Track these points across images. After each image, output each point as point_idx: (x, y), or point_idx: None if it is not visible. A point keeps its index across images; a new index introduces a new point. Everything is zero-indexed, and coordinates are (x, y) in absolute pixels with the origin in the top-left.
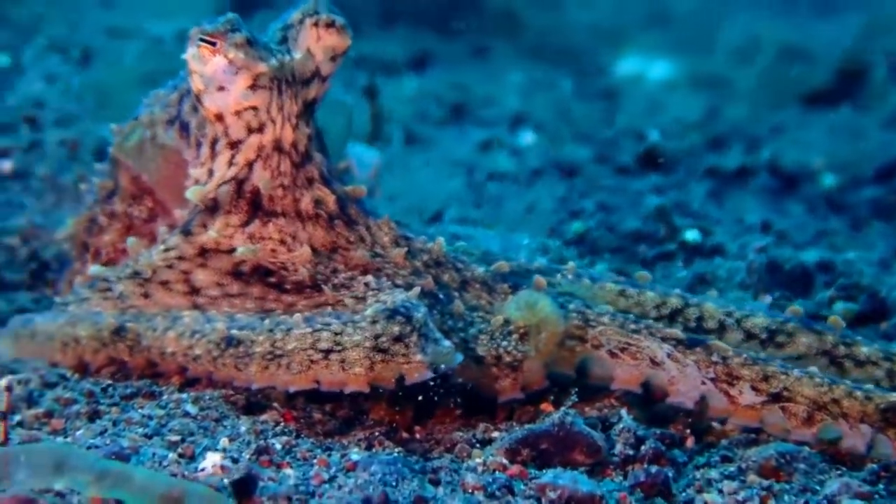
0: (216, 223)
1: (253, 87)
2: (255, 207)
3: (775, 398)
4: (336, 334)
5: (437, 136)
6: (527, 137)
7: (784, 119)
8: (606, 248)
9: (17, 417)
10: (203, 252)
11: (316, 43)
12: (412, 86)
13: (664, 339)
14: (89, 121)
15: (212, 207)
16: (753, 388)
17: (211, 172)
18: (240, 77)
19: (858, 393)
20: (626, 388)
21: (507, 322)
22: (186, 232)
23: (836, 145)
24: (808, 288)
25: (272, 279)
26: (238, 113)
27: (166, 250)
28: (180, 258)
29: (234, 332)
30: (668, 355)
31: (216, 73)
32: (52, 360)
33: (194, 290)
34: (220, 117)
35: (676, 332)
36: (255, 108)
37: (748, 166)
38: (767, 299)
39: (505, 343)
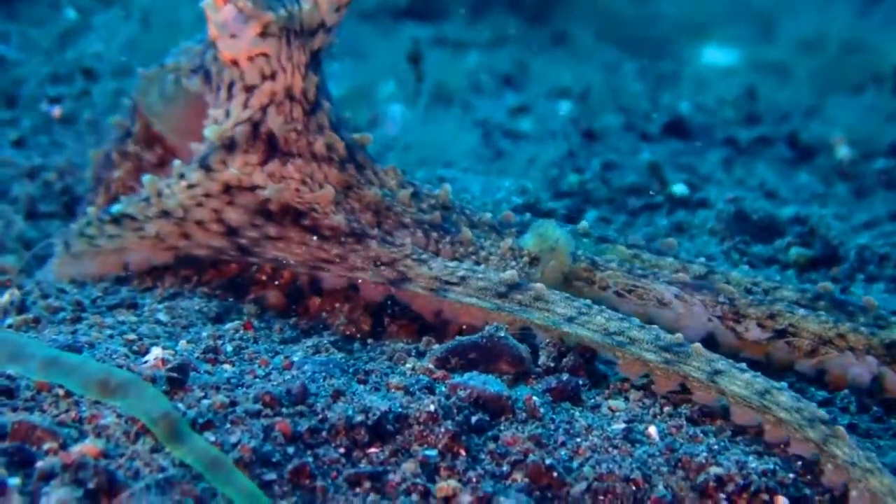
0: (236, 160)
1: (263, 34)
2: (272, 148)
3: (780, 334)
4: None
5: (477, 102)
6: (563, 107)
7: (824, 102)
8: (600, 199)
9: (9, 321)
10: (227, 189)
11: None
12: (474, 60)
13: (670, 283)
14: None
15: (229, 146)
16: (759, 325)
17: (228, 113)
18: (250, 25)
19: (863, 329)
20: None
21: (516, 248)
22: (206, 168)
23: (861, 123)
24: (774, 237)
25: (306, 222)
26: (251, 59)
27: (190, 186)
28: (207, 195)
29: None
30: (676, 296)
31: (228, 20)
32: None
33: (232, 231)
34: (234, 62)
35: (683, 275)
36: (266, 55)
37: (766, 136)
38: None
39: (513, 264)
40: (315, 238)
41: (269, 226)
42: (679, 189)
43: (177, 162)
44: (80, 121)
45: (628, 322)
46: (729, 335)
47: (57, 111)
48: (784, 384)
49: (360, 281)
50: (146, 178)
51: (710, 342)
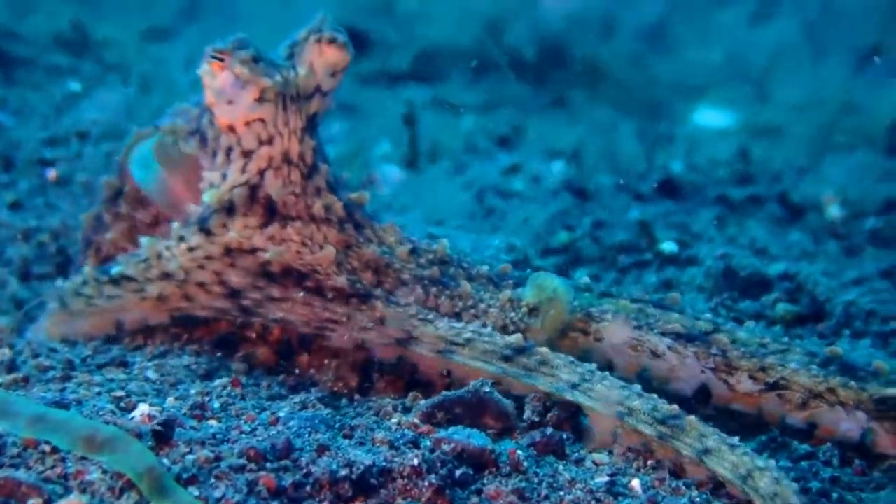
0: (235, 224)
1: (259, 100)
2: (271, 211)
3: (772, 387)
4: None
5: (470, 162)
6: (556, 166)
7: (816, 162)
8: (590, 257)
9: None
10: (228, 251)
11: (318, 58)
12: (470, 121)
13: (664, 334)
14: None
15: (228, 209)
16: (751, 378)
17: (225, 177)
18: (246, 91)
19: (853, 383)
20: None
21: (515, 300)
22: (206, 231)
23: (853, 182)
24: (761, 293)
25: (308, 283)
26: (248, 124)
27: (190, 249)
28: (208, 258)
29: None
30: (669, 347)
31: (225, 87)
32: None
33: (234, 293)
34: (231, 128)
35: (677, 326)
36: (262, 121)
37: (758, 195)
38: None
39: (513, 314)
40: (319, 299)
41: (271, 287)
42: (668, 247)
43: (175, 224)
44: (74, 183)
45: (628, 391)
46: (721, 387)
47: (52, 174)
48: (772, 462)
49: (367, 341)
50: (145, 240)
51: (703, 394)
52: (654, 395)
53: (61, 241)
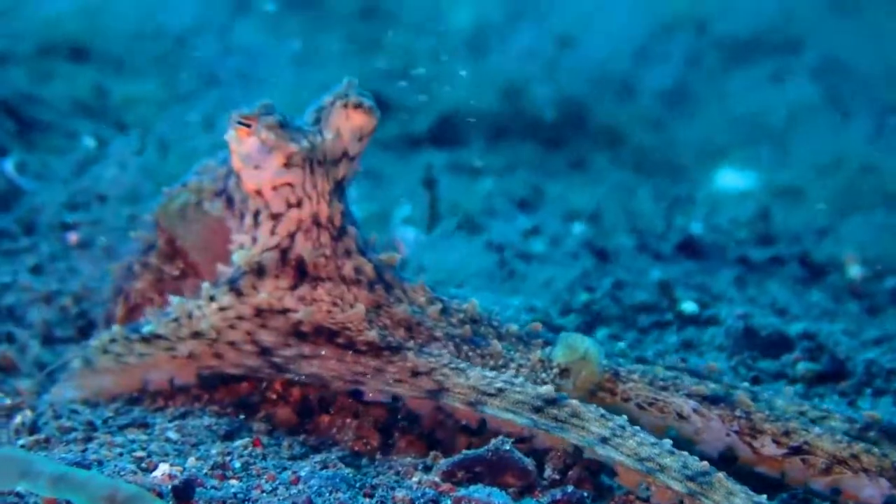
0: (266, 285)
1: (286, 165)
2: (301, 273)
3: (796, 451)
4: None
5: (490, 224)
6: (576, 228)
7: (837, 223)
8: (610, 317)
9: (21, 441)
10: (259, 312)
11: (345, 122)
12: (489, 184)
13: (689, 396)
14: (153, 198)
15: (258, 271)
16: (775, 441)
17: (255, 240)
18: (273, 156)
19: (876, 450)
20: None
21: (546, 360)
22: (237, 292)
23: (874, 242)
24: (782, 352)
25: (340, 340)
26: (275, 188)
27: (221, 309)
28: (239, 318)
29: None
30: (694, 410)
31: (251, 152)
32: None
33: (265, 350)
34: (259, 192)
35: (702, 388)
36: (290, 185)
37: (779, 256)
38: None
39: (544, 375)
40: (351, 353)
41: (303, 345)
42: (688, 307)
43: (206, 284)
44: (95, 246)
45: (658, 448)
46: (746, 450)
47: (73, 237)
48: None
49: (400, 395)
50: (175, 299)
51: (728, 457)
52: (685, 452)
53: (83, 305)
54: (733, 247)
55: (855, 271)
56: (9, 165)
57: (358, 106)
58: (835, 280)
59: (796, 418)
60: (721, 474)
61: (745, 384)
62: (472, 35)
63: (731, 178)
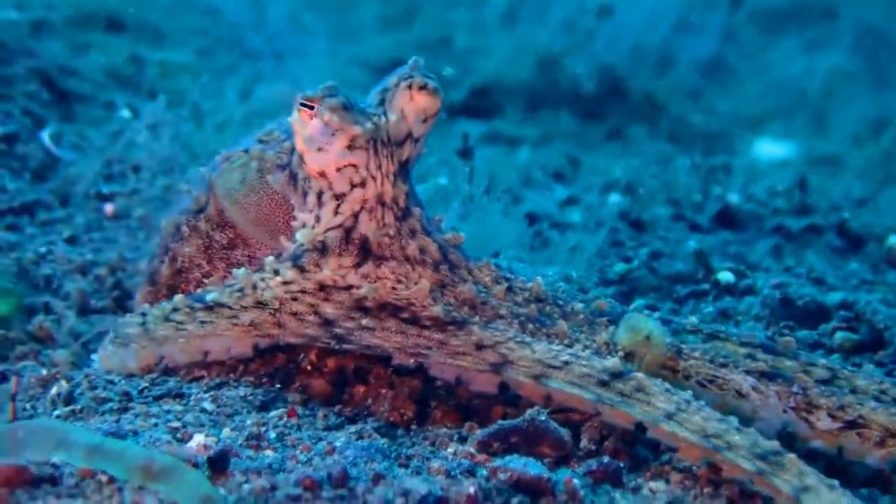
0: (330, 263)
1: (350, 147)
2: (366, 252)
3: (851, 425)
4: None
5: (526, 195)
6: (613, 198)
7: (876, 193)
8: (647, 287)
9: (57, 412)
10: (323, 287)
11: (409, 104)
12: (525, 155)
13: (748, 372)
14: (190, 169)
15: (321, 249)
16: (830, 416)
17: (318, 218)
18: (337, 138)
19: None
20: None
21: (611, 343)
22: (300, 268)
23: None
24: (819, 322)
25: (404, 315)
26: (339, 170)
27: (285, 283)
28: (303, 291)
29: None
30: (753, 387)
31: (315, 134)
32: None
33: (328, 322)
34: (322, 174)
35: (761, 364)
36: (354, 166)
37: (817, 225)
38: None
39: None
40: (415, 327)
41: (366, 318)
42: (724, 276)
43: (269, 258)
44: (131, 217)
45: (726, 424)
46: (803, 425)
47: (109, 208)
48: None
49: (466, 373)
50: (239, 272)
51: (785, 434)
52: (752, 430)
53: (118, 275)
54: (770, 216)
55: (894, 241)
56: (45, 136)
57: (423, 87)
58: (873, 250)
59: (877, 396)
60: (792, 455)
61: (824, 361)
62: (509, 6)
63: (768, 148)
